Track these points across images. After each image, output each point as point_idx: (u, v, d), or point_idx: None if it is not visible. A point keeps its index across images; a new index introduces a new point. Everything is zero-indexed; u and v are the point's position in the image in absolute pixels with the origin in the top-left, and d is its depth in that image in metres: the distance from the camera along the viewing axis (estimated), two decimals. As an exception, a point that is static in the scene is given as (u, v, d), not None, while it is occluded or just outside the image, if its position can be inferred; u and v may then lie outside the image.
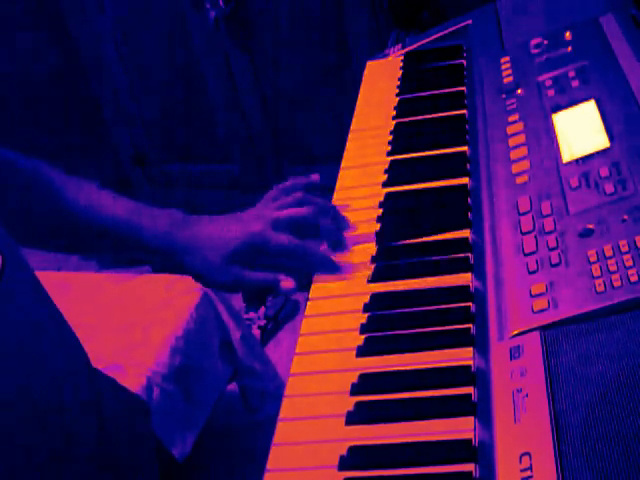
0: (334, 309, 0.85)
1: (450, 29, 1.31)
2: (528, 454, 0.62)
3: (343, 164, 1.08)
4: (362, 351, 0.78)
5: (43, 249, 0.93)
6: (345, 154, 1.10)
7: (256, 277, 0.90)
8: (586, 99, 0.95)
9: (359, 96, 1.24)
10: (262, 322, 2.31)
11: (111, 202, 0.93)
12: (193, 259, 0.91)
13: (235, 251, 0.90)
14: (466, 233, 0.88)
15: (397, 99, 1.19)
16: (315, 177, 0.99)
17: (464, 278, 0.82)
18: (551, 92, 1.00)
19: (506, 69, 1.11)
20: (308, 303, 0.87)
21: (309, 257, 0.90)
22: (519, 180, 0.90)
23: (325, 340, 0.82)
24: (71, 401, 0.81)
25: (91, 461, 0.83)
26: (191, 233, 0.92)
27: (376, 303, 0.83)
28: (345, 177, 1.05)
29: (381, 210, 0.97)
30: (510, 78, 1.09)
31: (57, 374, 0.80)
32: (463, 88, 1.15)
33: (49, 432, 0.77)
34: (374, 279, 0.87)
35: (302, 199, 0.95)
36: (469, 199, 0.93)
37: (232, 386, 1.78)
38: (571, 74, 1.01)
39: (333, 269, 0.90)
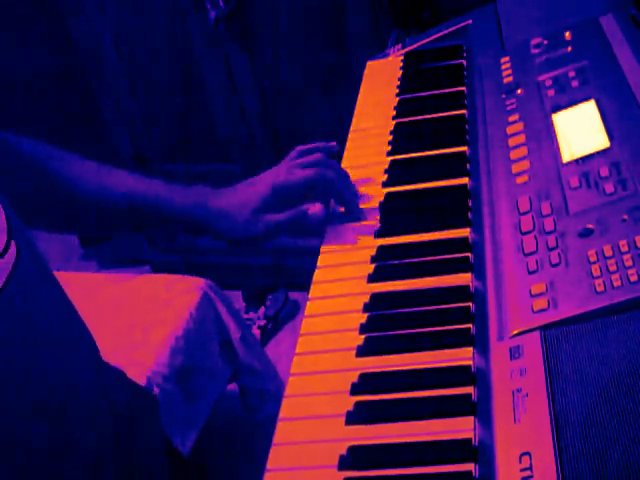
0: (334, 309, 0.85)
1: (450, 29, 1.31)
2: (528, 454, 0.62)
3: (343, 164, 1.08)
4: (362, 351, 0.78)
5: (55, 231, 0.95)
6: (345, 154, 1.10)
7: (285, 217, 0.93)
8: (586, 99, 0.95)
9: (359, 96, 1.24)
10: (262, 322, 2.31)
11: (136, 179, 0.97)
12: (223, 223, 0.94)
13: (262, 202, 0.93)
14: (466, 233, 0.88)
15: (397, 99, 1.19)
16: (333, 144, 1.02)
17: (464, 278, 0.82)
18: (551, 92, 1.00)
19: (506, 69, 1.11)
20: (308, 303, 0.87)
21: (329, 181, 0.94)
22: (519, 180, 0.90)
23: (325, 340, 0.82)
24: (79, 391, 0.81)
25: (100, 450, 0.84)
26: (219, 201, 0.96)
27: (376, 303, 0.83)
28: (345, 177, 1.05)
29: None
30: (510, 78, 1.09)
31: (66, 363, 0.80)
32: (463, 88, 1.15)
33: (57, 421, 0.78)
34: (374, 279, 0.86)
35: (321, 161, 0.97)
36: (469, 199, 0.93)
37: (232, 386, 1.78)
38: (571, 74, 1.01)
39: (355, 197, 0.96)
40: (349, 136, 1.14)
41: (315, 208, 0.93)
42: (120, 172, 0.97)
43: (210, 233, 0.96)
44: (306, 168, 0.95)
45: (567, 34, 1.09)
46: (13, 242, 0.73)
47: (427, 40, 1.32)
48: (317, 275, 0.90)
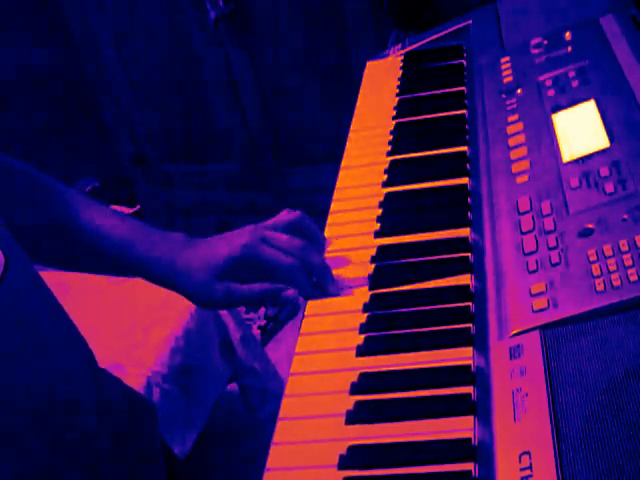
0: (334, 309, 0.85)
1: (450, 29, 1.31)
2: (528, 453, 0.62)
3: (343, 164, 1.08)
4: (362, 351, 0.78)
5: (40, 263, 0.91)
6: (345, 154, 1.10)
7: (251, 289, 0.87)
8: (586, 99, 0.95)
9: (359, 96, 1.24)
10: (262, 322, 2.31)
11: (116, 223, 0.91)
12: (185, 281, 0.89)
13: (224, 266, 0.87)
14: (466, 233, 0.88)
15: (397, 99, 1.19)
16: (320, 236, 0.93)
17: (464, 278, 0.82)
18: (551, 92, 1.00)
19: (506, 69, 1.11)
20: (308, 303, 0.87)
21: (308, 265, 0.86)
22: (519, 180, 0.90)
23: (325, 340, 0.82)
24: (76, 400, 0.81)
25: (97, 459, 0.83)
26: (186, 256, 0.90)
27: (376, 303, 0.83)
28: (345, 177, 1.05)
29: (381, 210, 0.97)
30: (510, 78, 1.09)
31: (61, 372, 0.80)
32: (463, 88, 1.15)
33: (54, 431, 0.77)
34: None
35: (295, 224, 0.91)
36: (469, 199, 0.93)
37: (232, 386, 1.78)
38: (571, 74, 1.01)
39: (332, 282, 0.86)
40: (349, 136, 1.14)
41: (290, 291, 0.85)
42: (95, 207, 0.92)
43: (168, 288, 0.91)
44: (285, 253, 0.86)
45: (567, 34, 1.09)
46: (0, 250, 0.72)
47: (427, 40, 1.32)
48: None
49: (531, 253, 0.80)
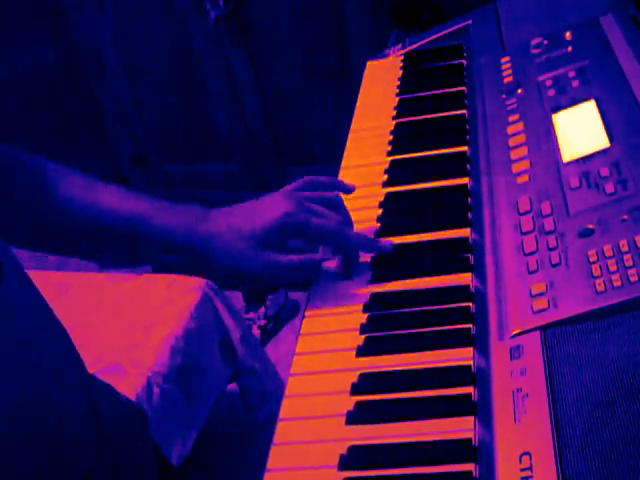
0: (334, 309, 0.85)
1: (450, 29, 1.31)
2: (528, 454, 0.62)
3: (343, 164, 1.08)
4: (362, 351, 0.78)
5: (41, 251, 0.89)
6: (345, 154, 1.10)
7: (291, 261, 0.83)
8: (586, 99, 0.95)
9: (359, 96, 1.24)
10: (262, 322, 2.31)
11: (125, 200, 0.87)
12: (218, 252, 0.84)
13: (265, 234, 0.83)
14: (466, 233, 0.88)
15: (397, 99, 1.19)
16: (341, 182, 0.95)
17: (464, 278, 0.82)
18: (551, 92, 1.00)
19: (506, 69, 1.11)
20: (308, 302, 0.87)
21: (348, 237, 0.86)
22: (519, 180, 0.90)
23: (325, 340, 0.82)
24: (67, 409, 0.80)
25: (89, 470, 0.82)
26: (214, 225, 0.85)
27: (376, 303, 0.83)
28: (345, 177, 1.05)
29: (381, 210, 0.97)
30: (510, 78, 1.09)
31: (52, 373, 0.78)
32: (463, 88, 1.15)
33: (45, 441, 0.76)
34: (374, 279, 0.86)
35: (337, 205, 0.90)
36: (469, 199, 0.93)
37: (232, 386, 1.78)
38: (571, 74, 1.01)
39: (372, 248, 0.88)
40: (349, 136, 1.14)
41: (328, 260, 0.84)
42: (102, 187, 0.88)
43: (195, 260, 0.86)
44: (322, 218, 0.85)
45: (567, 34, 1.09)
46: None
47: (427, 40, 1.32)
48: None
49: (531, 253, 0.80)
